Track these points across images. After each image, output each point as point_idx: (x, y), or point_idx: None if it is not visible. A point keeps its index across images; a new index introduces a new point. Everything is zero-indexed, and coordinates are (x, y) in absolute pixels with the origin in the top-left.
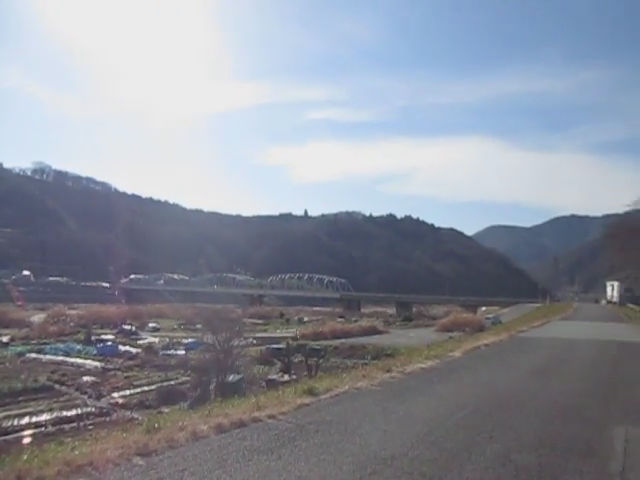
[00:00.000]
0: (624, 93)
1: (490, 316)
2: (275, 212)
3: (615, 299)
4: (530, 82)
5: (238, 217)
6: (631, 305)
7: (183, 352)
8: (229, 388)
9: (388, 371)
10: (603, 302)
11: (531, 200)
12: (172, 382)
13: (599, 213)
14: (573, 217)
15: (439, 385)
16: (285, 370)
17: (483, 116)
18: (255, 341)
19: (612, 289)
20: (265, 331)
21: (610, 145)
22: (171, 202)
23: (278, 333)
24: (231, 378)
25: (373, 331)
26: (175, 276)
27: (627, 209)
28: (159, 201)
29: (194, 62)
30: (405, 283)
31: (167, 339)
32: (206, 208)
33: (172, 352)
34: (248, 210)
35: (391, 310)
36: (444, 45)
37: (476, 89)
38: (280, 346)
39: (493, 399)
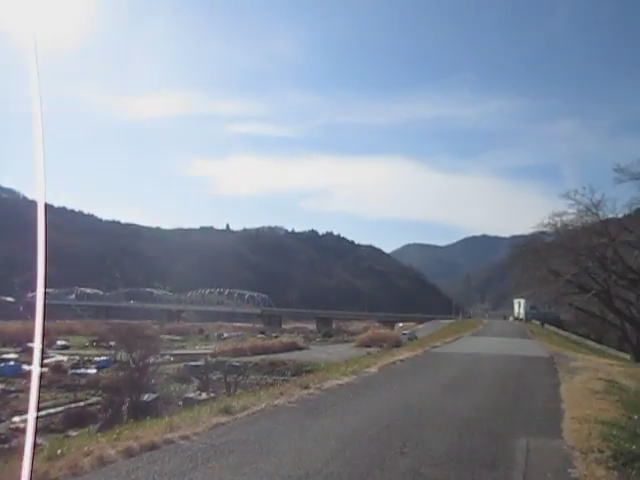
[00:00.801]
0: (529, 122)
1: (406, 332)
2: (196, 225)
3: (521, 316)
4: (444, 107)
5: (157, 229)
6: (535, 322)
7: (94, 371)
8: (143, 408)
9: (306, 388)
10: (511, 319)
11: (446, 220)
12: (81, 403)
13: (507, 234)
14: (484, 237)
15: (355, 401)
16: (203, 388)
17: (401, 137)
18: (172, 358)
19: (519, 306)
20: (183, 348)
21: (517, 170)
22: (85, 212)
23: (197, 350)
24: (146, 398)
25: (294, 347)
26: (88, 290)
27: (532, 231)
28: (72, 211)
29: (115, 67)
30: (326, 299)
31: (77, 357)
32: (123, 219)
33: (82, 371)
34: (168, 222)
35: (312, 326)
36: (365, 67)
37: (394, 111)
38: (198, 363)
39: (406, 414)
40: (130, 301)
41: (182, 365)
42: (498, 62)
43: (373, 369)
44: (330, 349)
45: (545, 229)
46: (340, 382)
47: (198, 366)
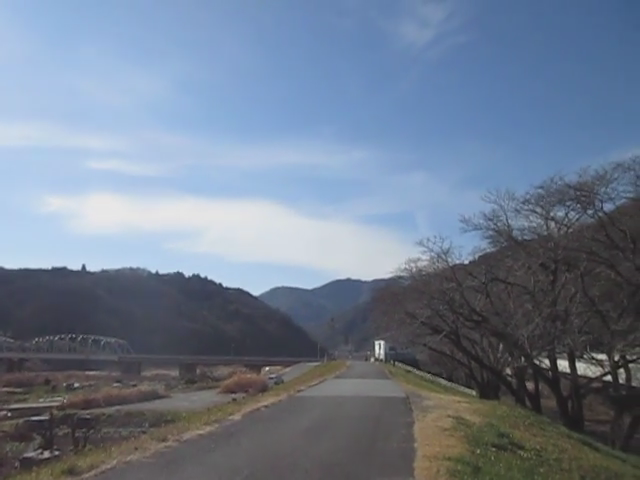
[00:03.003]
0: (386, 173)
1: (273, 376)
2: (47, 265)
3: (382, 357)
4: (309, 156)
5: None
6: (392, 361)
7: None
8: None
9: (163, 440)
10: (372, 360)
11: (312, 263)
12: None
13: (370, 278)
14: (348, 281)
15: (216, 452)
16: (46, 446)
17: (269, 181)
18: (10, 413)
19: (379, 348)
20: (25, 401)
21: (377, 218)
22: None
23: (41, 403)
24: None
25: (153, 396)
26: None
27: (390, 276)
28: None
29: None
30: (191, 343)
31: None
32: None
33: None
34: (12, 262)
35: (174, 372)
36: (234, 111)
37: (260, 156)
38: (42, 418)
39: (268, 461)
40: None
41: (22, 421)
42: (359, 116)
43: (237, 416)
44: (193, 396)
45: (402, 274)
46: (201, 432)
47: (42, 421)
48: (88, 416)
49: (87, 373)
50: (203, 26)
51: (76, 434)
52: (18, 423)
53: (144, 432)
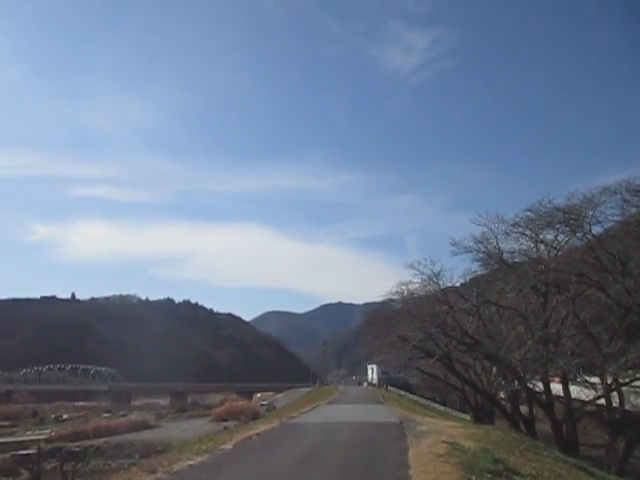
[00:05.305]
0: (375, 196)
1: (265, 402)
2: (36, 295)
3: (374, 381)
4: (299, 180)
5: None
6: (384, 386)
7: None
8: None
9: (153, 472)
10: (365, 384)
11: (303, 287)
12: None
13: (361, 301)
14: (340, 304)
15: None
16: None
17: (259, 205)
18: None
19: (372, 372)
20: (12, 434)
21: (367, 241)
22: None
23: (29, 436)
24: None
25: (143, 426)
26: None
27: (382, 299)
28: None
29: None
30: (182, 371)
31: None
32: None
33: None
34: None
35: (165, 401)
36: (223, 137)
37: (250, 180)
38: (30, 452)
39: None
40: None
41: (8, 455)
42: (346, 140)
43: (228, 445)
44: (184, 425)
45: (394, 297)
46: (192, 462)
47: (29, 455)
48: (77, 449)
49: (76, 404)
50: (194, 53)
51: (64, 468)
52: (5, 457)
53: (134, 464)
